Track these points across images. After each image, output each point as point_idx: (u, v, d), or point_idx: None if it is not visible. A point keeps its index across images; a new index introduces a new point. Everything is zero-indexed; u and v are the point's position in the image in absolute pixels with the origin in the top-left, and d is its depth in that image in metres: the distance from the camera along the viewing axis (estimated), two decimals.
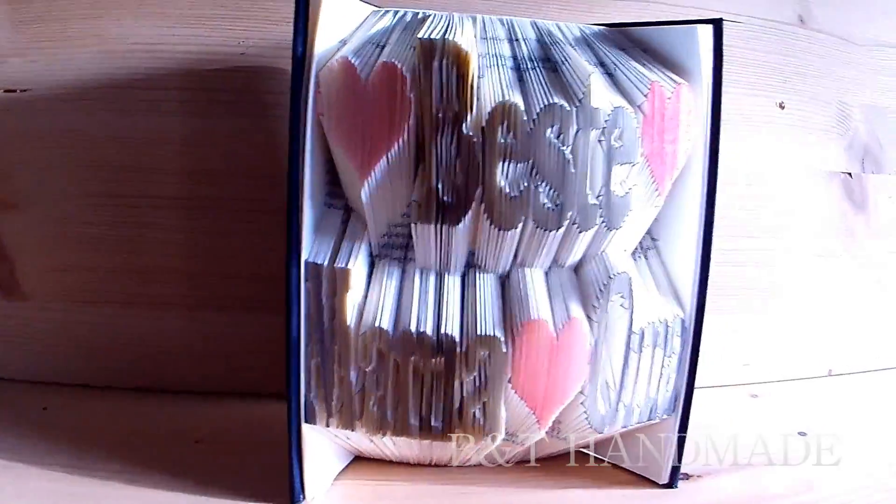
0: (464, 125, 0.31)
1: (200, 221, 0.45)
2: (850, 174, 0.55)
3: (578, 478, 0.39)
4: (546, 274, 0.35)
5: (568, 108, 0.31)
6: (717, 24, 0.35)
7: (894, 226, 0.57)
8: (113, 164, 0.43)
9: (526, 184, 0.32)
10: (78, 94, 0.42)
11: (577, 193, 0.32)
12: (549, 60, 0.34)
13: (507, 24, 0.35)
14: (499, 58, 0.33)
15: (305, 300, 0.32)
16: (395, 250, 0.34)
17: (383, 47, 0.32)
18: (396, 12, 0.35)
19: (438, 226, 0.32)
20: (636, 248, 0.38)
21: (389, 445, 0.36)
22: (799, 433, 0.46)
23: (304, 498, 0.34)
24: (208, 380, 0.46)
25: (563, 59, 0.33)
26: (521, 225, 0.32)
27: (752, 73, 0.52)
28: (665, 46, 0.36)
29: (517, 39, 0.34)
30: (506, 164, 0.31)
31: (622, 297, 0.34)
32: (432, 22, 0.33)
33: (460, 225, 0.32)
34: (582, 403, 0.35)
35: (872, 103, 0.55)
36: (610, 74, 0.35)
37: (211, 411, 0.44)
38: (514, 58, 0.34)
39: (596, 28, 0.37)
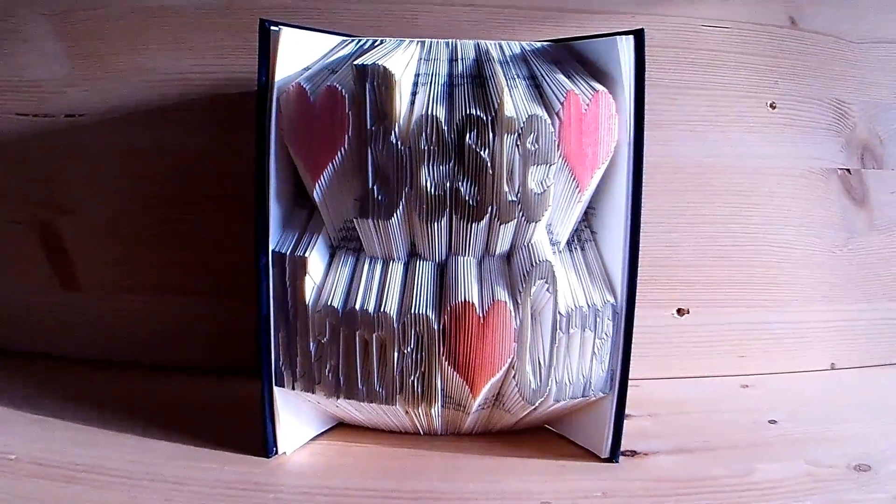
0: (392, 135, 0.36)
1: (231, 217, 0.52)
2: (848, 170, 0.55)
3: (527, 448, 0.43)
4: (480, 262, 0.40)
5: (484, 118, 0.36)
6: (639, 35, 0.38)
7: None
8: (148, 172, 0.53)
9: (449, 184, 0.37)
10: (121, 117, 0.52)
11: (496, 191, 0.37)
12: (479, 77, 0.39)
13: (452, 45, 0.40)
14: (436, 76, 0.39)
15: (273, 283, 0.39)
16: (351, 242, 0.40)
17: (335, 72, 0.39)
18: (359, 41, 0.41)
19: (375, 220, 0.38)
20: (573, 240, 0.42)
21: (362, 412, 0.42)
22: (769, 421, 0.47)
23: (276, 450, 0.41)
24: (225, 360, 0.53)
25: (490, 74, 0.38)
26: (444, 219, 0.37)
27: (745, 76, 0.53)
28: (594, 57, 0.40)
29: (456, 59, 0.40)
30: (430, 167, 0.37)
31: (546, 282, 0.38)
32: (379, 48, 0.39)
33: (393, 219, 0.37)
34: (514, 377, 0.39)
35: (870, 99, 0.55)
36: (538, 86, 0.39)
37: (224, 386, 0.52)
38: (450, 75, 0.39)
39: (538, 44, 0.41)
